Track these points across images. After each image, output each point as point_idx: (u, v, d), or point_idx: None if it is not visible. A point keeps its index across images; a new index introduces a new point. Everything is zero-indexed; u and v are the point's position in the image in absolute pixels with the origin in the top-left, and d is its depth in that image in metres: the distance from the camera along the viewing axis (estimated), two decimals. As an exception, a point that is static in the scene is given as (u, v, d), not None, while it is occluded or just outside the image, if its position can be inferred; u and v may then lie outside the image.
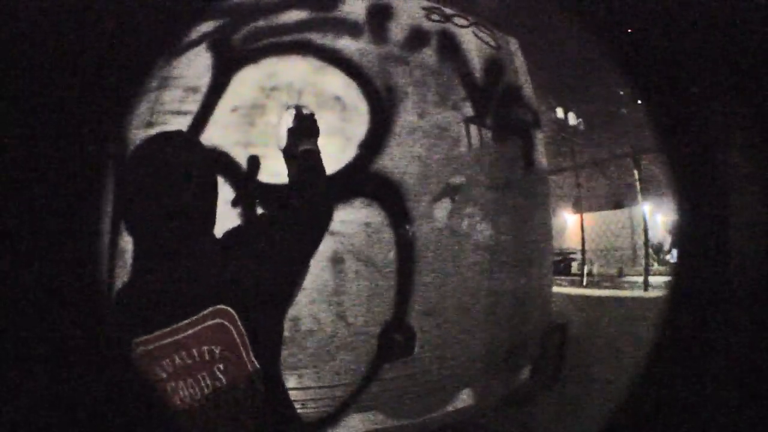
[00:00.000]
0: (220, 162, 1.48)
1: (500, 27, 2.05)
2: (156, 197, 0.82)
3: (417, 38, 1.76)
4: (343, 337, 1.50)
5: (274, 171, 1.43)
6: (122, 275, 1.46)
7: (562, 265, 3.40)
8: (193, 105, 1.57)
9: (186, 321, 0.75)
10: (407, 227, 1.56)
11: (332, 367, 1.49)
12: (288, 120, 1.01)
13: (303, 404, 1.46)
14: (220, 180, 1.46)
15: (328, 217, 0.96)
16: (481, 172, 1.71)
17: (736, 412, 1.04)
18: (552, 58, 2.38)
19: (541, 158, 1.96)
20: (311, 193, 0.93)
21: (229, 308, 0.75)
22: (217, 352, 0.76)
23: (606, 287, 3.14)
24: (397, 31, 1.74)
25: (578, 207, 3.26)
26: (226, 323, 0.75)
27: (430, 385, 1.59)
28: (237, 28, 1.67)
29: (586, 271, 3.17)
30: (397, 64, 1.68)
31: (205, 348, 0.75)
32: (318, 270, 1.48)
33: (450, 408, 1.64)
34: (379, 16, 1.75)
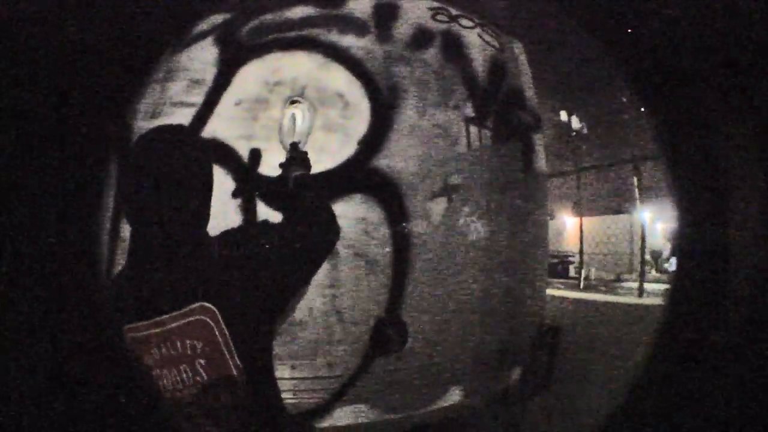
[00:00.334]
0: (221, 155, 1.51)
1: (505, 29, 2.06)
2: (151, 191, 0.84)
3: (421, 38, 1.77)
4: (337, 330, 1.53)
5: (276, 165, 1.45)
6: (121, 263, 1.49)
7: (560, 267, 3.40)
8: (198, 97, 1.59)
9: (173, 313, 0.77)
10: (403, 224, 1.58)
11: (325, 359, 1.52)
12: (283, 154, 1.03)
13: (295, 394, 1.49)
14: (222, 173, 1.49)
15: (331, 244, 0.98)
16: (480, 173, 1.72)
17: (733, 418, 1.04)
18: (556, 61, 2.38)
19: (541, 161, 1.97)
20: (307, 226, 0.94)
21: (212, 307, 0.77)
22: (199, 347, 0.78)
23: (603, 292, 3.15)
24: (403, 30, 1.76)
25: (578, 210, 3.26)
26: (209, 321, 0.77)
27: (421, 381, 1.61)
28: (244, 23, 1.69)
29: (583, 275, 3.18)
30: (401, 63, 1.70)
31: (188, 342, 0.78)
32: (314, 263, 1.51)
33: (440, 404, 1.66)
34: (386, 15, 1.76)
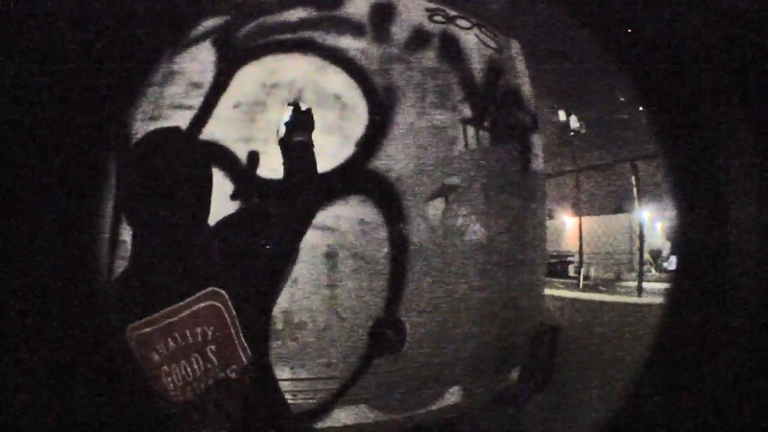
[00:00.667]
0: (220, 157, 1.51)
1: (503, 29, 2.06)
2: (152, 190, 0.85)
3: (418, 39, 1.78)
4: (336, 331, 1.53)
5: (274, 167, 1.46)
6: (121, 266, 1.49)
7: (559, 267, 3.40)
8: (196, 100, 1.60)
9: (181, 303, 0.79)
10: (401, 225, 1.59)
11: (324, 360, 1.53)
12: (286, 115, 1.04)
13: (294, 395, 1.50)
14: (220, 174, 1.50)
15: (316, 204, 1.00)
16: (478, 174, 1.73)
17: (733, 419, 1.05)
18: (554, 61, 2.38)
19: (539, 161, 1.97)
20: (300, 181, 0.96)
21: (221, 291, 0.79)
22: (210, 333, 0.79)
23: (602, 291, 3.15)
24: (400, 31, 1.76)
25: (577, 210, 3.27)
26: (219, 305, 0.79)
27: (419, 382, 1.62)
28: (241, 25, 1.70)
29: (582, 275, 3.18)
30: (398, 65, 1.70)
31: (198, 329, 0.79)
32: (312, 264, 1.51)
33: (439, 405, 1.67)
34: (382, 17, 1.77)
